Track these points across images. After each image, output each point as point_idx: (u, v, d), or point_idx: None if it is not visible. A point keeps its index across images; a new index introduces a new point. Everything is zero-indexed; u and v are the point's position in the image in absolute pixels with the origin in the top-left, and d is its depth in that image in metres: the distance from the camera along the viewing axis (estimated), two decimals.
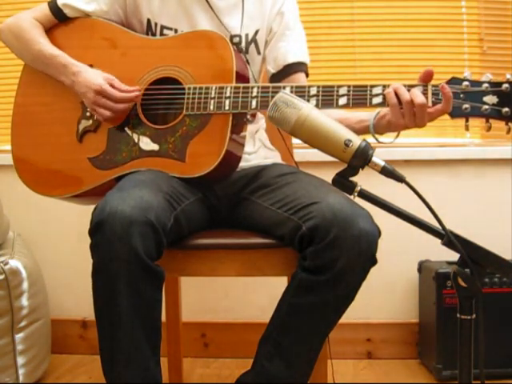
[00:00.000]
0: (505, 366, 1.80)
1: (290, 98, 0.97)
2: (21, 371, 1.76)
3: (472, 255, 0.91)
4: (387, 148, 1.96)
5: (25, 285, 1.79)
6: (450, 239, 0.91)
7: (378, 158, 0.94)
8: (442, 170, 2.06)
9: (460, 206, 2.04)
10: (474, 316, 0.93)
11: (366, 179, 1.01)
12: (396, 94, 1.17)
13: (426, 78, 1.18)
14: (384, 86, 1.20)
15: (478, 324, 0.92)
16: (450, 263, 1.85)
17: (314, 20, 2.14)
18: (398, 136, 1.26)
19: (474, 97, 1.15)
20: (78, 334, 2.15)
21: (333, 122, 0.97)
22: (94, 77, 1.35)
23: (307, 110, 0.96)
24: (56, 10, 1.46)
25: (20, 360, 1.76)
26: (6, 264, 1.74)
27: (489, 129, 1.16)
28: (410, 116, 1.17)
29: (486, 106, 1.14)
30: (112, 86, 1.33)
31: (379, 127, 1.29)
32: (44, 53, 1.41)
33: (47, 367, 1.93)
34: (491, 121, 1.16)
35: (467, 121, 1.17)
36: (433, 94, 1.17)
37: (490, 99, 1.14)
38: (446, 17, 2.12)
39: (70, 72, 1.38)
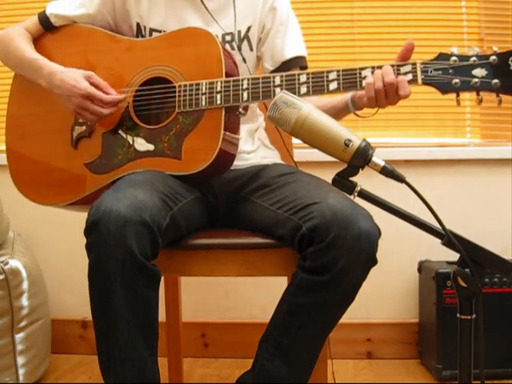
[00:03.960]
0: (505, 366, 1.80)
1: (290, 98, 0.97)
2: (21, 371, 1.76)
3: (472, 255, 0.91)
4: (387, 148, 1.99)
5: (25, 285, 1.79)
6: (450, 239, 0.91)
7: (378, 158, 0.94)
8: (442, 170, 2.06)
9: (460, 205, 2.04)
10: (473, 316, 0.93)
11: (366, 179, 1.01)
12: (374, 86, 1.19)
13: (408, 52, 1.20)
14: (373, 68, 1.21)
15: (477, 324, 0.92)
16: (450, 263, 1.86)
17: (314, 20, 2.14)
18: (375, 113, 1.26)
19: (463, 71, 1.16)
20: (78, 334, 2.15)
21: (333, 121, 0.97)
22: (75, 79, 1.33)
23: (307, 109, 0.96)
24: (44, 20, 1.47)
25: (20, 360, 1.76)
26: (6, 264, 1.74)
27: (480, 102, 1.16)
28: (382, 100, 1.20)
29: (476, 80, 1.14)
30: (96, 86, 1.33)
31: (356, 102, 1.31)
32: (24, 58, 1.41)
33: (47, 367, 1.93)
34: (482, 93, 1.16)
35: (458, 95, 1.17)
36: (422, 71, 1.17)
37: (479, 72, 1.14)
38: (446, 17, 2.12)
39: (45, 74, 1.37)
